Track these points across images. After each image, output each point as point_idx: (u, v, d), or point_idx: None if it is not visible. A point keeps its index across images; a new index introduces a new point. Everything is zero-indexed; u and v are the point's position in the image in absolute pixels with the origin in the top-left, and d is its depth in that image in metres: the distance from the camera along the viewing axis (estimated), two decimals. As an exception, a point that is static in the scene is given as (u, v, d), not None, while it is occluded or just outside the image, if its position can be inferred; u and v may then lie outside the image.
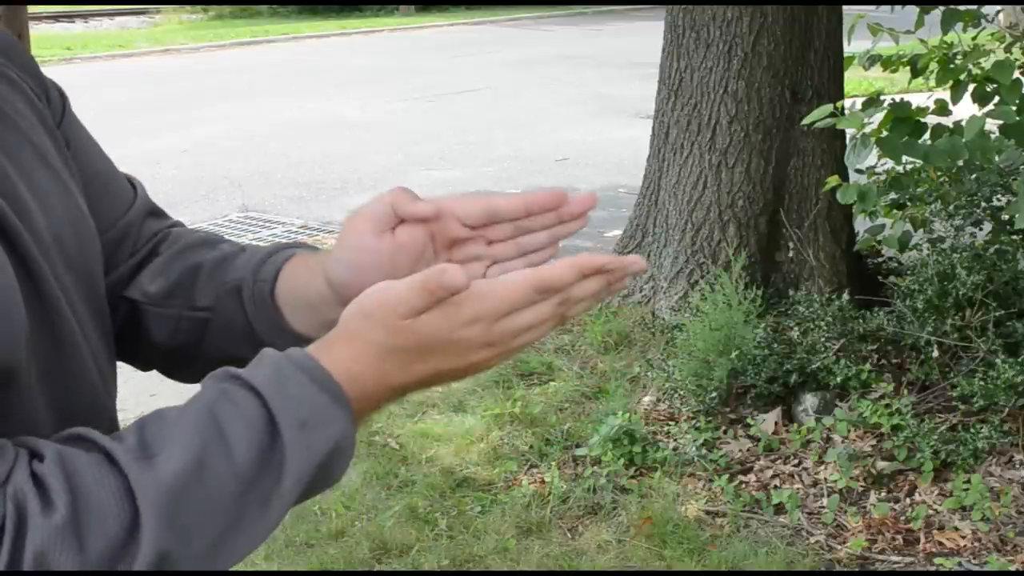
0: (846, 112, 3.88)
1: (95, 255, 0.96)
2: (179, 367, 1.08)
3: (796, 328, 4.05)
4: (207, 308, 1.03)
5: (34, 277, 0.85)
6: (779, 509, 3.42)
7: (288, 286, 1.01)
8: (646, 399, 4.07)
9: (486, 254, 0.97)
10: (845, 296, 3.99)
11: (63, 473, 0.72)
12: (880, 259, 4.93)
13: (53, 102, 1.00)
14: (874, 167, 4.07)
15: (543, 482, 3.60)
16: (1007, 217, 3.85)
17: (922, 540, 3.22)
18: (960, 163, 3.74)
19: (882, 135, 3.69)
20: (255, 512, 0.77)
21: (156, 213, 1.12)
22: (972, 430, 3.45)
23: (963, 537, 3.21)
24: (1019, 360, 3.41)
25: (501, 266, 0.97)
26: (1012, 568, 3.08)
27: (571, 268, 0.82)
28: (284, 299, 1.00)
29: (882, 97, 3.85)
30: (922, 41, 3.98)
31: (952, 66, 3.92)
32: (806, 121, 3.83)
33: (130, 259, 1.07)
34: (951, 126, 3.72)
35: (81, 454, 0.74)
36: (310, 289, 0.99)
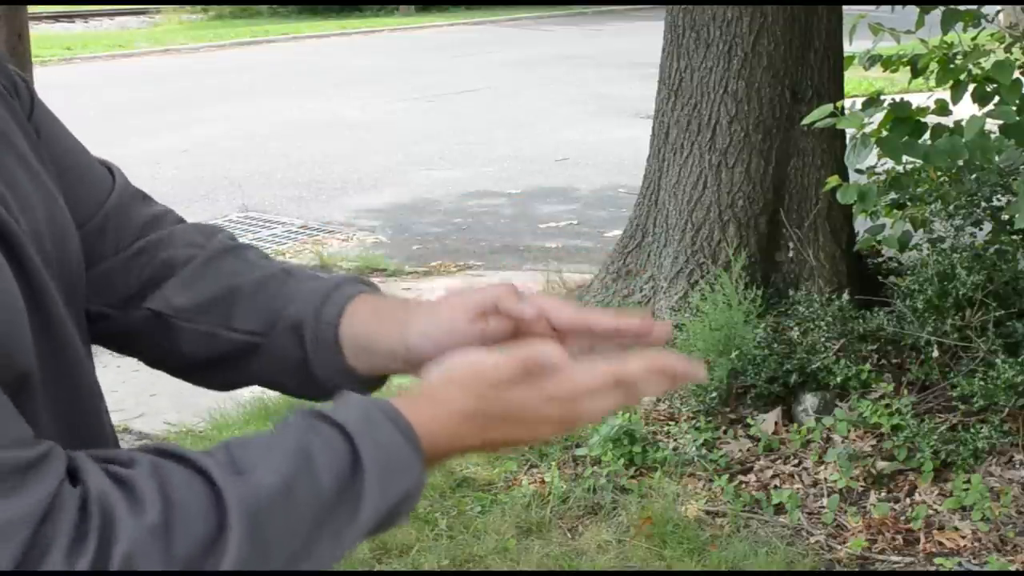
0: (846, 112, 3.88)
1: (76, 254, 0.95)
2: (203, 377, 1.08)
3: (796, 328, 4.05)
4: (252, 333, 1.03)
5: (30, 280, 0.84)
6: (779, 509, 3.42)
7: (354, 332, 1.01)
8: (646, 399, 4.07)
9: None
10: (845, 296, 3.99)
11: (156, 480, 0.74)
12: (880, 259, 4.93)
13: (22, 95, 0.98)
14: (874, 167, 4.07)
15: (543, 482, 3.60)
16: (1007, 217, 3.85)
17: (922, 540, 3.22)
18: (960, 163, 3.74)
19: (882, 135, 3.70)
20: (327, 542, 0.80)
21: (138, 198, 1.10)
22: (972, 430, 3.45)
23: (963, 537, 3.21)
24: (1019, 360, 3.41)
25: None
26: (1012, 568, 3.08)
27: (649, 368, 0.91)
28: (347, 343, 1.01)
29: (882, 97, 3.85)
30: (922, 41, 3.98)
31: (952, 66, 3.92)
32: (806, 121, 3.83)
33: (116, 254, 1.04)
34: (951, 126, 3.72)
35: (173, 465, 0.76)
36: (380, 342, 1.00)
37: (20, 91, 0.97)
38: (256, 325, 1.03)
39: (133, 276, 1.05)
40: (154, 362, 1.09)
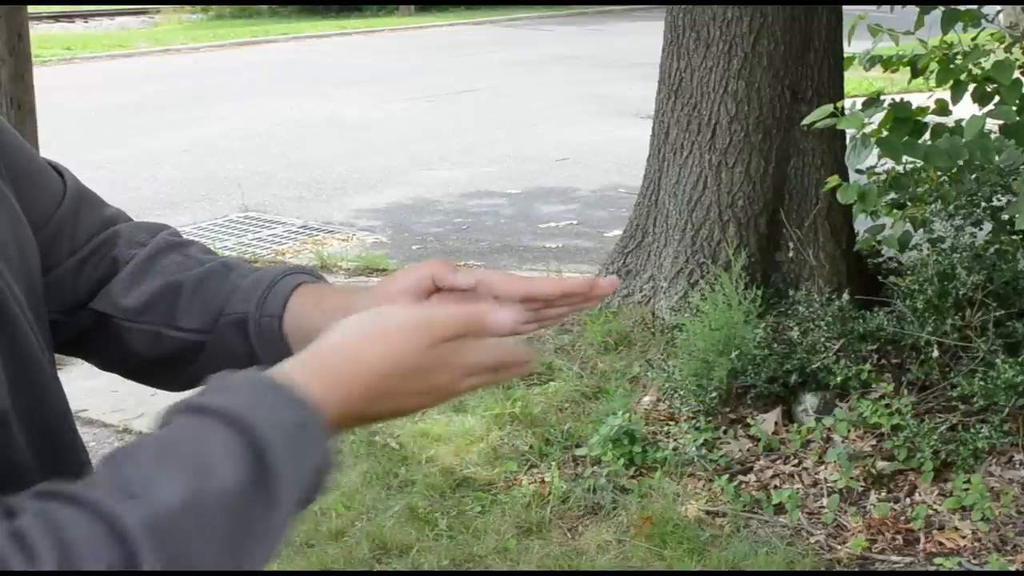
0: (846, 112, 3.88)
1: (36, 262, 0.94)
2: (159, 378, 1.06)
3: (796, 328, 4.05)
4: (196, 331, 1.02)
5: (5, 317, 0.82)
6: (779, 509, 3.42)
7: (298, 323, 1.00)
8: (646, 399, 4.07)
9: None
10: (845, 296, 3.99)
11: (44, 525, 0.67)
12: (880, 259, 4.93)
13: None
14: (874, 167, 4.07)
15: (543, 482, 3.60)
16: (1007, 217, 3.85)
17: (922, 540, 3.22)
18: (960, 163, 3.74)
19: (882, 135, 3.70)
20: (254, 539, 0.75)
21: (88, 200, 1.07)
22: (972, 430, 3.45)
23: (963, 537, 3.21)
24: (1019, 360, 3.41)
25: None
26: (1012, 568, 3.08)
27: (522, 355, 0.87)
28: (293, 334, 1.00)
29: (882, 97, 3.85)
30: (922, 41, 3.98)
31: (952, 66, 3.92)
32: (806, 121, 3.83)
33: (70, 257, 1.03)
34: (951, 126, 3.72)
35: (61, 507, 0.69)
36: (322, 332, 0.98)
37: None
38: (200, 323, 1.02)
39: (83, 280, 1.04)
40: (107, 365, 1.07)
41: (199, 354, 1.02)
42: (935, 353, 3.67)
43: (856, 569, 3.15)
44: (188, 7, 24.13)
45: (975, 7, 4.18)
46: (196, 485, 0.70)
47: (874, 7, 5.22)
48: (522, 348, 0.88)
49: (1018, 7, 7.30)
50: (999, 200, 3.95)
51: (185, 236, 1.12)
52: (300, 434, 0.76)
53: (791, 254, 4.66)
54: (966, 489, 3.31)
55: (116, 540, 0.67)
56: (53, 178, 1.03)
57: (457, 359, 0.83)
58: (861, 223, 4.44)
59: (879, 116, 3.69)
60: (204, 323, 1.02)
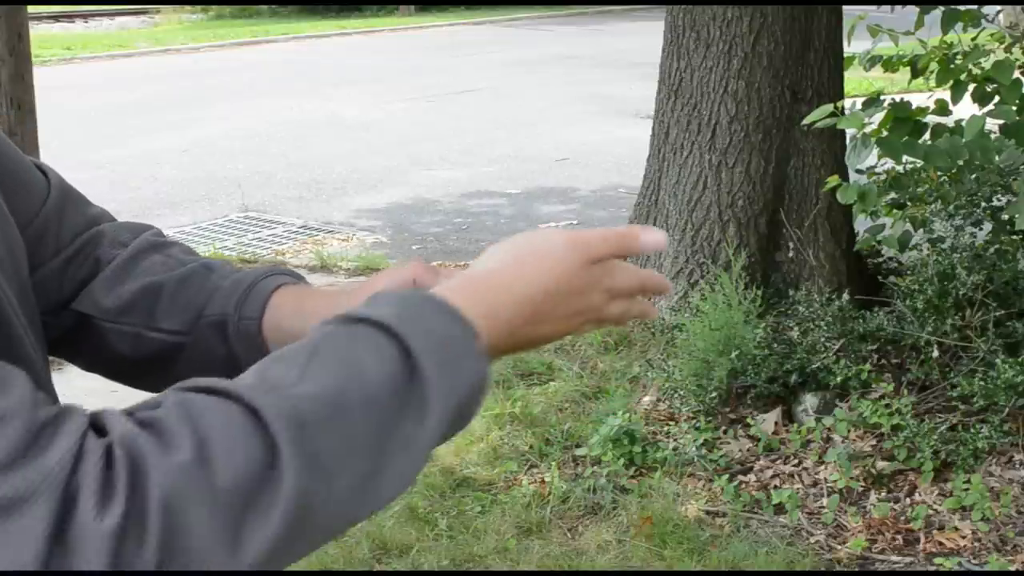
0: (846, 112, 3.88)
1: (25, 262, 0.93)
2: (140, 380, 1.06)
3: (796, 328, 4.05)
4: (175, 332, 1.01)
5: None
6: (779, 509, 3.42)
7: (277, 325, 1.00)
8: (646, 399, 4.07)
9: None
10: (845, 296, 3.99)
11: (183, 414, 0.65)
12: (880, 259, 4.93)
13: None
14: (874, 167, 4.07)
15: (543, 482, 3.60)
16: (1007, 217, 3.85)
17: (922, 540, 3.22)
18: (960, 163, 3.74)
19: (882, 135, 3.70)
20: (399, 454, 0.71)
21: (73, 198, 1.06)
22: (972, 430, 3.45)
23: (963, 537, 3.21)
24: (1019, 360, 3.41)
25: None
26: (1012, 568, 3.08)
27: (654, 282, 0.91)
28: (273, 336, 1.00)
29: (882, 97, 3.85)
30: (922, 41, 3.98)
31: (952, 66, 3.92)
32: (807, 121, 3.83)
33: (55, 257, 1.02)
34: (951, 126, 3.72)
35: (200, 396, 0.67)
36: (303, 334, 0.98)
37: None
38: (179, 324, 1.01)
39: (67, 280, 1.03)
40: (90, 366, 1.07)
41: (179, 355, 1.02)
42: (935, 353, 3.67)
43: (856, 569, 3.15)
44: (188, 7, 24.13)
45: (975, 7, 4.18)
46: (342, 381, 0.69)
47: (874, 7, 5.22)
48: (660, 276, 0.93)
49: (1018, 7, 7.31)
50: (999, 200, 3.95)
51: (173, 237, 1.11)
52: (455, 346, 0.75)
53: (791, 254, 4.66)
54: (966, 489, 3.31)
55: (256, 432, 0.65)
56: (37, 177, 1.02)
57: (608, 280, 0.86)
58: (861, 223, 4.45)
59: (879, 116, 3.69)
60: (184, 324, 1.01)
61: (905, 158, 3.78)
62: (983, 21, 4.18)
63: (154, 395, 0.69)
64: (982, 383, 3.41)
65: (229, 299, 1.01)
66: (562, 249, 0.83)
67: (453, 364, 0.74)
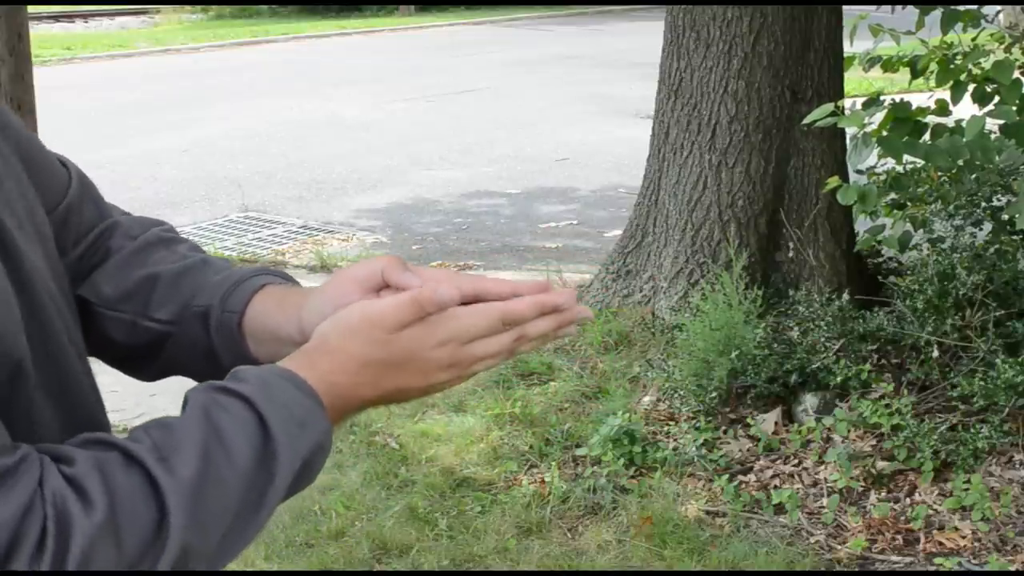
0: (846, 112, 3.88)
1: (50, 233, 0.98)
2: (135, 367, 1.10)
3: (796, 328, 4.05)
4: (167, 322, 1.05)
5: (19, 271, 0.86)
6: (779, 509, 3.42)
7: (257, 320, 1.03)
8: (646, 399, 4.07)
9: None
10: (845, 296, 3.99)
11: (99, 475, 0.77)
12: (880, 259, 4.93)
13: None
14: (874, 167, 4.07)
15: (543, 482, 3.60)
16: (1007, 217, 3.85)
17: (922, 540, 3.22)
18: (960, 163, 3.74)
19: (882, 135, 3.69)
20: (252, 509, 0.83)
21: (90, 188, 1.12)
22: (972, 430, 3.44)
23: (963, 537, 3.21)
24: (1019, 360, 3.41)
25: None
26: (1012, 568, 3.08)
27: (534, 304, 0.92)
28: (251, 330, 1.03)
29: (882, 97, 3.85)
30: (922, 41, 3.98)
31: (952, 66, 3.92)
32: (807, 121, 3.83)
33: (74, 248, 1.07)
34: (951, 126, 3.72)
35: (106, 455, 0.79)
36: (280, 329, 1.02)
37: None
38: (169, 314, 1.05)
39: (83, 267, 1.08)
40: (91, 352, 1.10)
41: (167, 343, 1.06)
42: (935, 353, 3.67)
43: (856, 569, 3.15)
44: (188, 7, 24.13)
45: (975, 7, 4.18)
46: (220, 458, 0.81)
47: (874, 7, 5.22)
48: (534, 289, 0.93)
49: (1018, 7, 7.31)
50: (999, 200, 3.95)
51: (181, 233, 1.15)
52: (302, 414, 0.86)
53: (791, 254, 4.66)
54: (966, 489, 3.31)
55: (153, 497, 0.77)
56: (59, 170, 1.07)
57: (441, 332, 0.89)
58: (861, 223, 4.45)
59: (879, 116, 3.69)
60: (173, 315, 1.05)
61: (905, 158, 3.78)
62: (983, 21, 4.18)
63: (66, 447, 0.80)
64: (982, 383, 3.41)
65: (216, 292, 1.05)
66: (359, 326, 0.90)
67: (300, 430, 0.85)
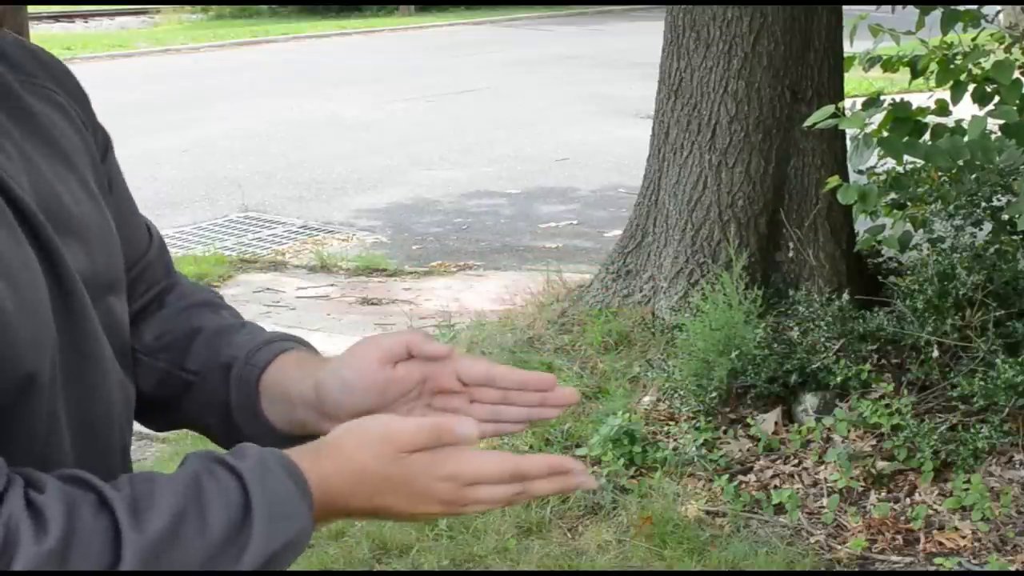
0: (846, 112, 3.88)
1: (123, 287, 1.02)
2: (150, 417, 1.12)
3: (796, 328, 4.05)
4: (193, 372, 1.08)
5: (67, 295, 0.89)
6: (779, 509, 3.42)
7: (275, 377, 1.05)
8: (646, 399, 4.07)
9: (465, 410, 1.04)
10: (845, 296, 3.99)
11: (64, 508, 0.77)
12: (880, 259, 4.93)
13: (99, 135, 1.08)
14: (874, 167, 4.07)
15: (543, 482, 3.59)
16: (1007, 217, 3.85)
17: (922, 540, 3.22)
18: (961, 163, 3.74)
19: (882, 135, 3.70)
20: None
21: (165, 259, 1.17)
22: (972, 430, 3.45)
23: (963, 537, 3.21)
24: (1019, 360, 3.41)
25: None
26: (1012, 568, 3.08)
27: (547, 465, 0.92)
28: (267, 387, 1.05)
29: (882, 97, 3.85)
30: (922, 41, 3.98)
31: (952, 66, 3.92)
32: (808, 122, 3.82)
33: (138, 299, 1.11)
34: (951, 126, 3.72)
35: (81, 493, 0.80)
36: (294, 387, 1.04)
37: (98, 130, 1.08)
38: (198, 365, 1.08)
39: (137, 317, 1.11)
40: None
41: (187, 395, 1.09)
42: (935, 353, 3.67)
43: (856, 569, 3.15)
44: (188, 7, 24.13)
45: (975, 7, 4.18)
46: (188, 516, 0.81)
47: (874, 7, 5.22)
48: (556, 459, 0.92)
49: (1018, 7, 7.31)
50: (999, 200, 3.95)
51: (228, 301, 1.20)
52: (288, 505, 0.85)
53: (791, 254, 4.66)
54: (966, 489, 3.31)
55: (113, 544, 0.78)
56: (143, 231, 1.13)
57: (451, 466, 0.89)
58: (861, 223, 4.44)
59: (879, 116, 3.69)
60: (201, 366, 1.09)
61: (905, 158, 3.78)
62: (983, 21, 4.18)
63: (45, 475, 0.81)
64: (982, 383, 3.41)
65: (244, 347, 1.08)
66: (375, 438, 0.89)
67: (280, 521, 0.85)
